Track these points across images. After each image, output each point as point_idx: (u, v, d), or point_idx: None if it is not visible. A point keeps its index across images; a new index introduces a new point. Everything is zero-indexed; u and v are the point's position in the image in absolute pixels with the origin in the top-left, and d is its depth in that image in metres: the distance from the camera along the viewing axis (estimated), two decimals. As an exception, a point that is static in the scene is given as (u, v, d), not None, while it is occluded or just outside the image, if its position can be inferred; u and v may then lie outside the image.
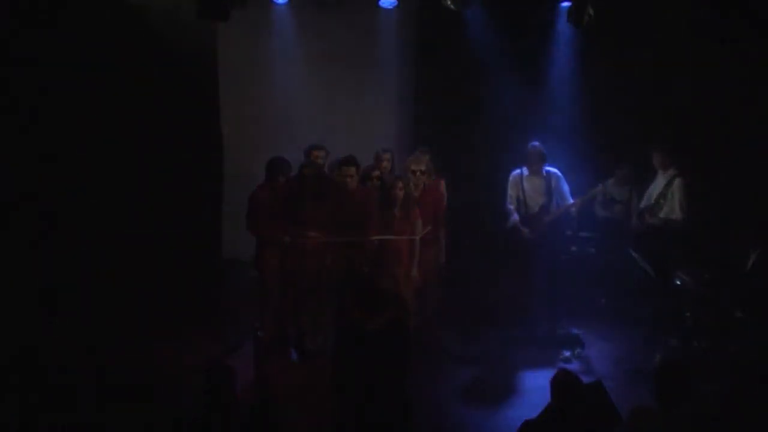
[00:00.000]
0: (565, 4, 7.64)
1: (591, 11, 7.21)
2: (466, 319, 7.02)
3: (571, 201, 6.61)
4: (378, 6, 7.92)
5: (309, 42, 8.04)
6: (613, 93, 7.83)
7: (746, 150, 7.27)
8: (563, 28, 7.97)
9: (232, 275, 7.59)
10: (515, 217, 6.65)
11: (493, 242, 7.37)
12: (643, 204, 7.01)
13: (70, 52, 6.48)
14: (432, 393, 5.59)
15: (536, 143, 6.64)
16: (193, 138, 7.26)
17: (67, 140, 6.40)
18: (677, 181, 6.75)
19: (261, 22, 7.99)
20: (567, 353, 6.29)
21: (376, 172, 6.43)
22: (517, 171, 6.70)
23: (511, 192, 6.72)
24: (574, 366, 5.97)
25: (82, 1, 6.60)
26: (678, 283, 6.28)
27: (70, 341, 5.74)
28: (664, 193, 6.79)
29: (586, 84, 7.98)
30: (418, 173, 6.35)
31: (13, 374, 5.22)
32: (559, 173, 6.63)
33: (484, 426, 5.25)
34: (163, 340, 6.20)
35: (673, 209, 6.74)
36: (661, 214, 6.79)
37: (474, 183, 7.93)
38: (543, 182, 6.60)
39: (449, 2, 7.16)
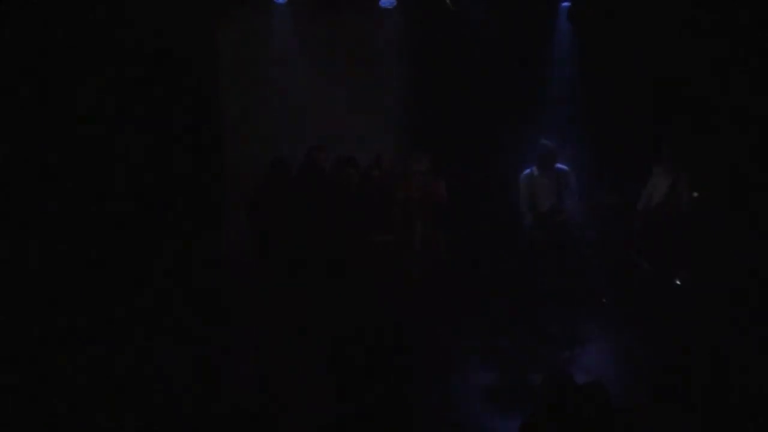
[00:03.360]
0: (565, 4, 7.66)
1: (591, 11, 7.23)
2: (468, 319, 7.02)
3: (577, 199, 6.56)
4: (378, 6, 7.93)
5: (309, 42, 8.05)
6: (614, 91, 7.83)
7: (751, 147, 7.25)
8: (563, 27, 7.98)
9: (231, 271, 7.58)
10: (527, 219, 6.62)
11: (496, 242, 7.38)
12: (644, 203, 6.97)
13: (67, 49, 6.47)
14: (432, 394, 5.59)
15: (546, 141, 6.56)
16: (192, 138, 7.26)
17: (63, 137, 6.39)
18: (684, 177, 6.69)
19: (261, 22, 7.99)
20: (567, 353, 6.30)
21: (377, 172, 6.43)
22: (528, 170, 6.64)
23: (523, 192, 6.66)
24: (573, 366, 5.98)
25: None
26: (678, 282, 6.29)
27: (64, 339, 5.74)
28: (672, 190, 6.72)
29: (588, 83, 7.98)
30: (418, 174, 6.36)
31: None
32: (568, 170, 6.56)
33: (484, 426, 5.25)
34: (161, 340, 6.19)
35: (681, 207, 6.69)
36: (669, 212, 6.73)
37: (475, 183, 7.93)
38: (553, 182, 6.52)
39: (449, 2, 7.17)
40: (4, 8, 6.22)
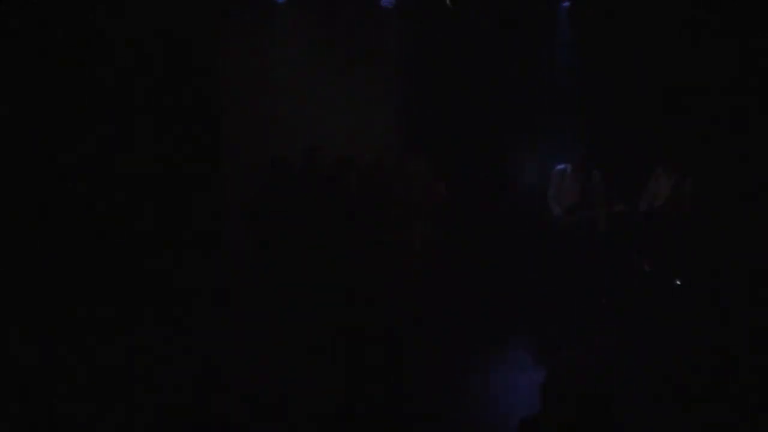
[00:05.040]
0: (565, 4, 7.66)
1: (591, 11, 7.23)
2: (468, 319, 7.01)
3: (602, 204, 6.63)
4: (378, 6, 7.94)
5: (309, 41, 8.05)
6: (615, 92, 7.82)
7: (753, 148, 7.23)
8: (564, 27, 7.98)
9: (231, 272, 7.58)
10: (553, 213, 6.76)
11: (497, 242, 7.38)
12: (645, 204, 6.97)
13: (67, 48, 6.48)
14: (432, 394, 5.58)
15: (586, 143, 6.65)
16: (192, 137, 7.27)
17: (60, 137, 6.39)
18: (686, 178, 6.70)
19: (261, 22, 7.99)
20: (566, 353, 6.28)
21: (376, 172, 6.43)
22: (561, 167, 6.73)
23: (552, 186, 6.80)
24: (573, 366, 5.95)
25: None
26: (678, 282, 6.29)
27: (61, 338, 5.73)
28: (675, 192, 6.72)
29: (588, 83, 7.97)
30: (417, 174, 6.36)
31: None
32: (600, 176, 6.64)
33: (484, 426, 5.25)
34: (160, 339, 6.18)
35: (684, 208, 6.69)
36: (671, 213, 6.73)
37: (474, 183, 7.93)
38: (581, 183, 6.58)
39: (449, 1, 7.18)
40: (3, 8, 6.23)
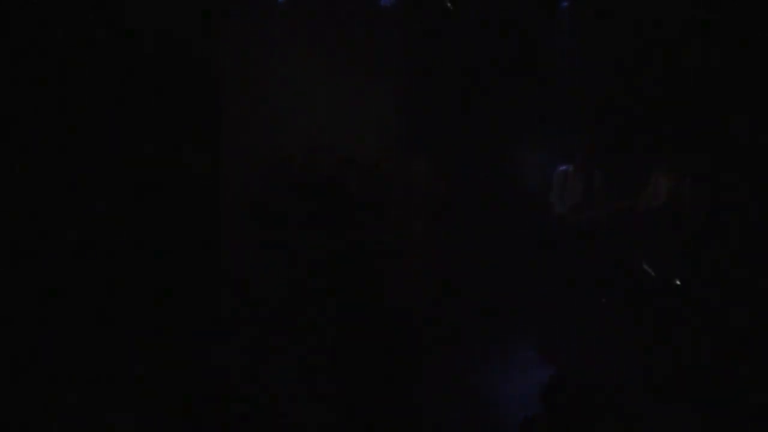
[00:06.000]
0: (565, 4, 7.66)
1: (591, 10, 7.23)
2: (468, 319, 7.02)
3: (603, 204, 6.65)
4: (378, 5, 7.94)
5: (309, 41, 8.05)
6: (614, 92, 7.82)
7: (752, 148, 7.24)
8: (564, 27, 7.98)
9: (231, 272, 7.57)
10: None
11: (497, 242, 7.39)
12: (644, 204, 6.98)
13: (65, 46, 6.46)
14: (432, 394, 5.58)
15: (586, 140, 6.66)
16: (191, 138, 7.25)
17: (57, 135, 6.37)
18: (686, 179, 6.71)
19: (261, 22, 7.99)
20: (566, 353, 6.30)
21: (376, 172, 6.44)
22: (564, 167, 6.75)
23: (555, 187, 6.80)
24: (572, 366, 5.97)
25: None
26: (678, 283, 6.29)
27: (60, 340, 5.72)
28: (673, 192, 6.74)
29: (587, 83, 7.98)
30: (418, 174, 6.37)
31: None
32: (603, 175, 6.67)
33: (485, 426, 5.25)
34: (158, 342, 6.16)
35: (683, 208, 6.71)
36: (671, 213, 6.75)
37: (474, 183, 7.93)
38: (584, 183, 6.62)
39: (448, 2, 7.19)
40: (3, 8, 6.22)
